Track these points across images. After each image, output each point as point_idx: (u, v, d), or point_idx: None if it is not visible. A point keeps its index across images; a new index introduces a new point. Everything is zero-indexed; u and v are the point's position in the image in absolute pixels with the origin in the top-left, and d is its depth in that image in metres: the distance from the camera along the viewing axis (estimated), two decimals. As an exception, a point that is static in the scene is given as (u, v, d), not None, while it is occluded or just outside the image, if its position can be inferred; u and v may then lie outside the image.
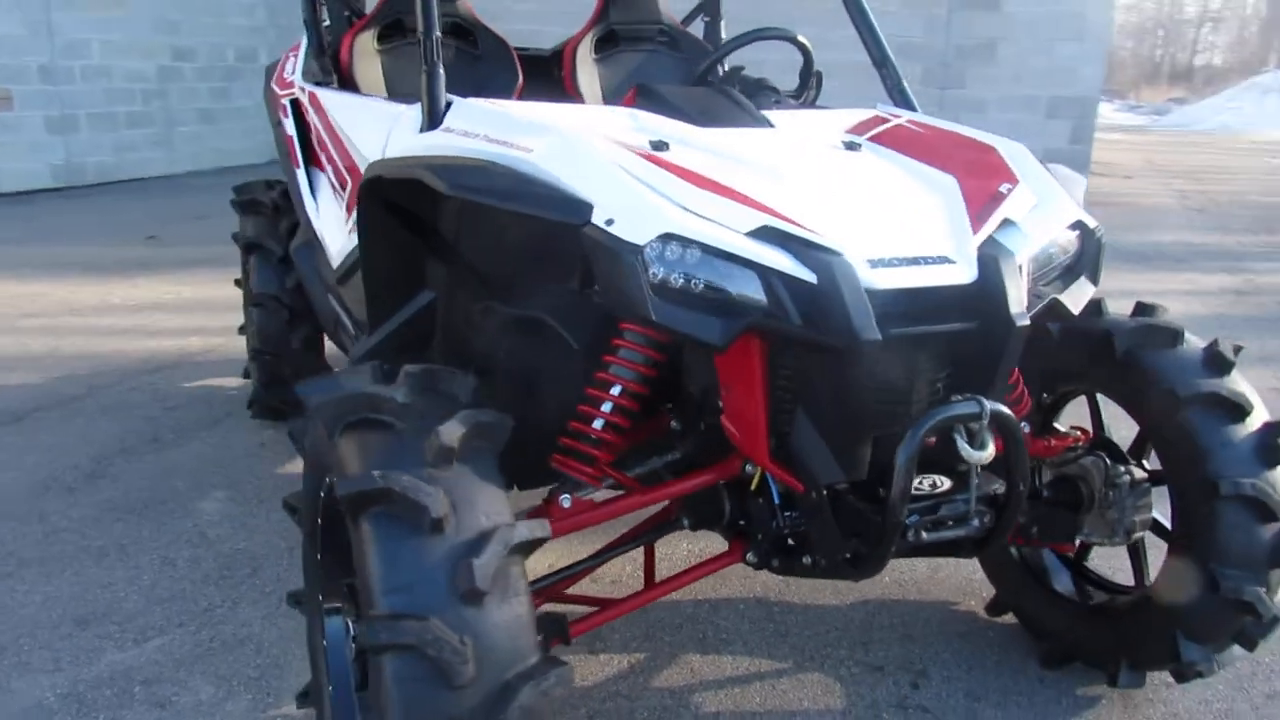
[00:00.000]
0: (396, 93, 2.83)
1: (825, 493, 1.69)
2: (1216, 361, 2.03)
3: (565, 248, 1.94)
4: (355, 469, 1.46)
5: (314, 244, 2.96)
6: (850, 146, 2.06)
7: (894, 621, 2.52)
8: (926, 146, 2.05)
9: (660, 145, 1.77)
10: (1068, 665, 2.31)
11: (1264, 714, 2.23)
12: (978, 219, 1.76)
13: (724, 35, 3.57)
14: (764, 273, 1.55)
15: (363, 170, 2.22)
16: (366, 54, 2.96)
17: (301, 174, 3.00)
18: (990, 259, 1.67)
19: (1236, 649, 2.01)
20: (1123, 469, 2.00)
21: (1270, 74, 30.47)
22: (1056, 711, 2.22)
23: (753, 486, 1.85)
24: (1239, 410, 1.96)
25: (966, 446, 1.61)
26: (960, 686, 2.27)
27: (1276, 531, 1.93)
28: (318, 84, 2.86)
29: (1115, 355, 2.07)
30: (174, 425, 3.69)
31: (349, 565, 1.81)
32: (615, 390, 1.79)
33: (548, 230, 1.69)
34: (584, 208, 1.57)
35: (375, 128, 2.23)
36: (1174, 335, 2.07)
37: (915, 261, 1.64)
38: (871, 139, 2.11)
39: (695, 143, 1.85)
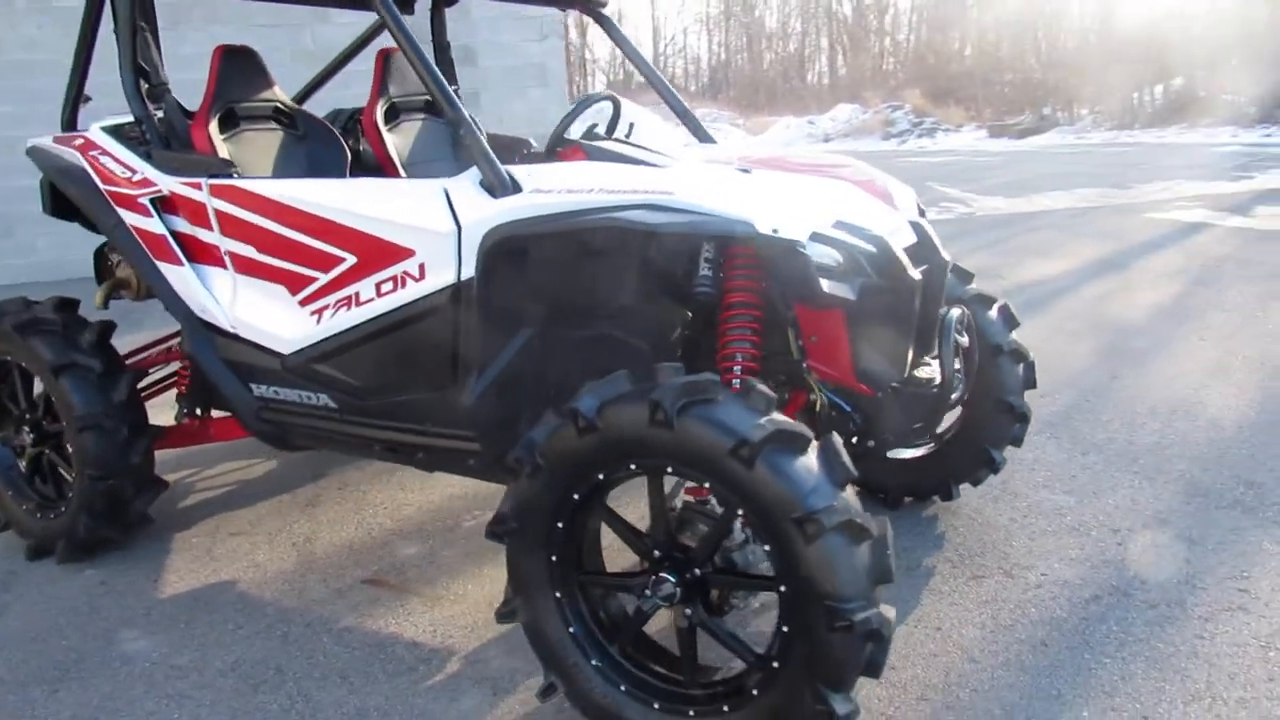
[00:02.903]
0: (263, 177, 2.95)
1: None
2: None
3: (629, 272, 2.53)
4: (774, 484, 1.89)
5: (213, 338, 2.92)
6: (744, 171, 2.89)
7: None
8: (805, 166, 2.95)
9: (746, 172, 2.46)
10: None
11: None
12: (891, 204, 2.73)
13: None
14: (856, 249, 2.34)
15: (401, 242, 2.49)
16: (220, 144, 2.99)
17: (187, 271, 2.91)
18: (918, 225, 2.66)
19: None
20: None
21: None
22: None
23: (817, 408, 2.61)
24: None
25: (959, 338, 2.59)
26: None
27: (1023, 375, 3.21)
28: (212, 176, 2.83)
29: None
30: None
31: (580, 560, 2.22)
32: (737, 370, 2.41)
33: (622, 258, 2.26)
34: (748, 223, 2.21)
35: (411, 204, 2.49)
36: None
37: (896, 232, 2.56)
38: (754, 164, 2.96)
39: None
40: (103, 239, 3.69)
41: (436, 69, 2.55)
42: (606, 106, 3.08)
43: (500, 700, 2.51)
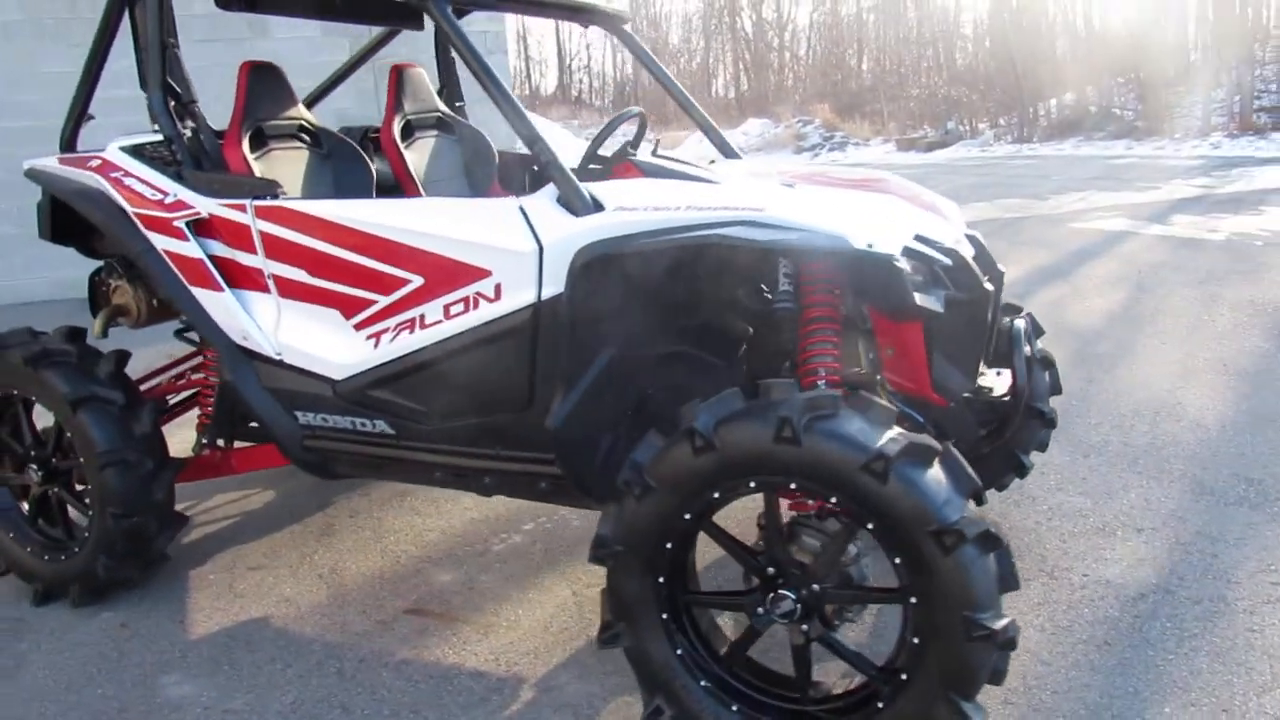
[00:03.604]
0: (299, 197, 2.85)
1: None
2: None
3: (712, 289, 2.54)
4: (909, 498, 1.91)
5: (255, 365, 2.80)
6: (788, 186, 2.91)
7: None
8: (848, 182, 2.99)
9: (790, 187, 2.48)
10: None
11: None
12: (942, 217, 2.79)
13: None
14: (936, 262, 2.39)
15: (475, 263, 2.44)
16: (252, 165, 2.88)
17: (226, 296, 2.77)
18: (973, 237, 2.73)
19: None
20: None
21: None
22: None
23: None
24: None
25: (1027, 345, 2.65)
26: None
27: (1049, 381, 3.30)
28: (257, 198, 2.71)
29: None
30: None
31: (685, 581, 2.21)
32: (821, 384, 2.42)
33: (705, 275, 2.28)
34: (843, 239, 2.23)
35: (487, 224, 2.44)
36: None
37: (959, 244, 2.62)
38: (796, 179, 2.99)
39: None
40: (96, 265, 3.53)
41: (503, 83, 2.50)
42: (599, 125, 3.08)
43: (587, 727, 2.46)
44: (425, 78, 3.70)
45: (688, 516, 2.14)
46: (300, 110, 3.26)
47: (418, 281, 2.54)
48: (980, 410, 2.65)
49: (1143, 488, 3.70)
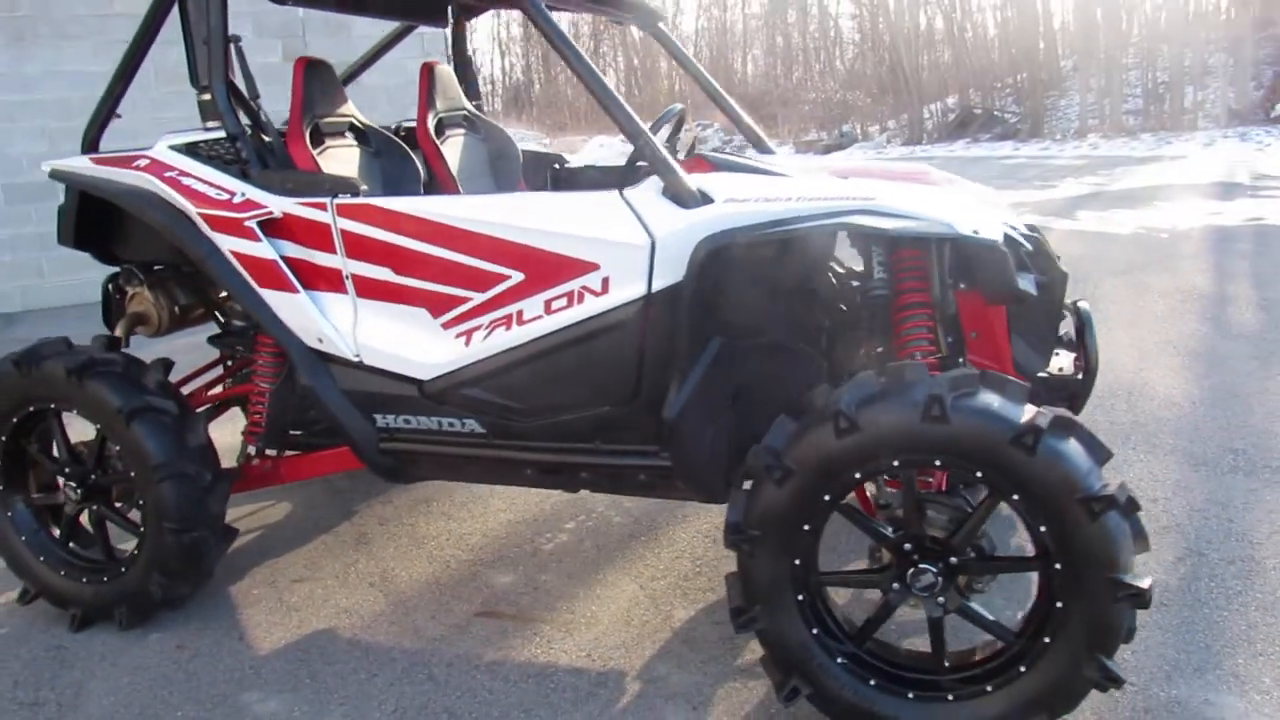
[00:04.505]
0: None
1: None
2: None
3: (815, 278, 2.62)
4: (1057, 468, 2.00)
5: (330, 367, 2.73)
6: (841, 179, 3.01)
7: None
8: (894, 174, 3.10)
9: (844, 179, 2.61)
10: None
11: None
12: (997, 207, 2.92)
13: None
14: (1020, 247, 2.51)
15: (582, 256, 2.45)
16: (315, 161, 2.81)
17: (302, 298, 2.68)
18: (1028, 225, 2.87)
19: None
20: None
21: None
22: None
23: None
24: None
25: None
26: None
27: None
28: (332, 195, 2.63)
29: None
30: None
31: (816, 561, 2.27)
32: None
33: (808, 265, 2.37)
34: (951, 225, 2.32)
35: (593, 217, 2.45)
36: None
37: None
38: (845, 173, 3.08)
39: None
40: (112, 271, 3.37)
41: (600, 76, 2.51)
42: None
43: (705, 714, 2.49)
44: (453, 75, 3.66)
45: (827, 498, 2.19)
46: (350, 107, 3.19)
47: (517, 277, 2.53)
48: (1053, 388, 2.78)
49: (1142, 462, 3.93)
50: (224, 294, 3.50)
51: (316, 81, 3.00)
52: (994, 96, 24.51)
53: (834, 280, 2.97)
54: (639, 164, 3.21)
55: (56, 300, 8.19)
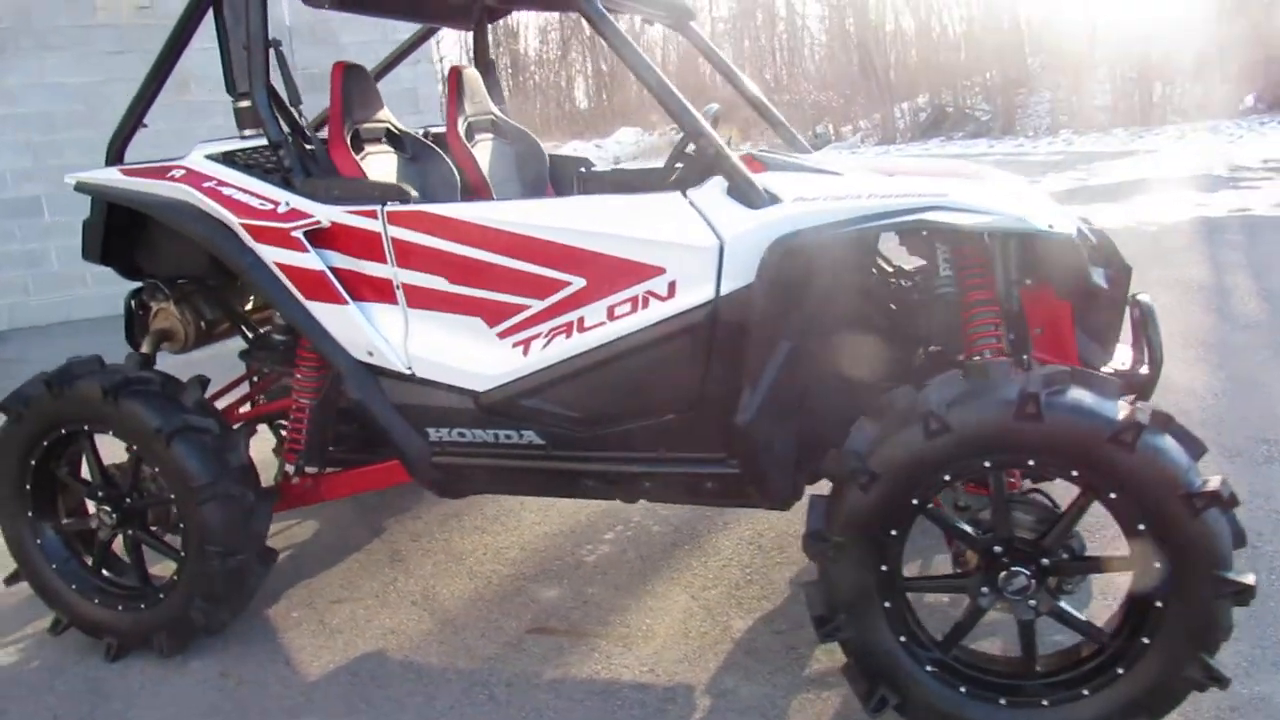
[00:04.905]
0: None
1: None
2: None
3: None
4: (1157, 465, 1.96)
5: (380, 381, 2.64)
6: (890, 176, 2.97)
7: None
8: (938, 170, 3.06)
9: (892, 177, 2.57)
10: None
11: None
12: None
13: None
14: (1088, 242, 2.48)
15: (648, 260, 2.38)
16: (359, 168, 2.72)
17: (351, 309, 2.59)
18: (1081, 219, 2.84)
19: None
20: None
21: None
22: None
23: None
24: None
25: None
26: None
27: None
28: (382, 203, 2.55)
29: None
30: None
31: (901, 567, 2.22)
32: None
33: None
34: (1026, 220, 2.28)
35: (659, 219, 2.38)
36: None
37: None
38: (894, 172, 3.04)
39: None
40: (135, 286, 3.26)
41: (662, 78, 2.45)
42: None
43: (782, 726, 2.43)
44: (480, 79, 3.58)
45: (915, 501, 2.14)
46: (386, 112, 3.10)
47: (579, 283, 2.45)
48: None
49: (1177, 454, 3.92)
50: (251, 307, 3.40)
51: (355, 86, 2.92)
52: (964, 95, 24.70)
53: (885, 279, 2.92)
54: (677, 165, 3.19)
55: (44, 318, 8.00)
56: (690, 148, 3.15)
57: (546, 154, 3.70)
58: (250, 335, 3.37)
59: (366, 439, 3.12)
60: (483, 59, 3.79)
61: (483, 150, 3.45)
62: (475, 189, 3.26)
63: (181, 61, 2.94)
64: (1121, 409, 2.01)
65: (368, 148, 2.90)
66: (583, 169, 3.78)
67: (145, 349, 3.15)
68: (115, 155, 2.98)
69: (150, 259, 3.09)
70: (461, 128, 3.33)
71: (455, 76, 3.39)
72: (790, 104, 24.40)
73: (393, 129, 3.08)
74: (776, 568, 3.20)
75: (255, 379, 3.50)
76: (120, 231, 3.01)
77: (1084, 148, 18.28)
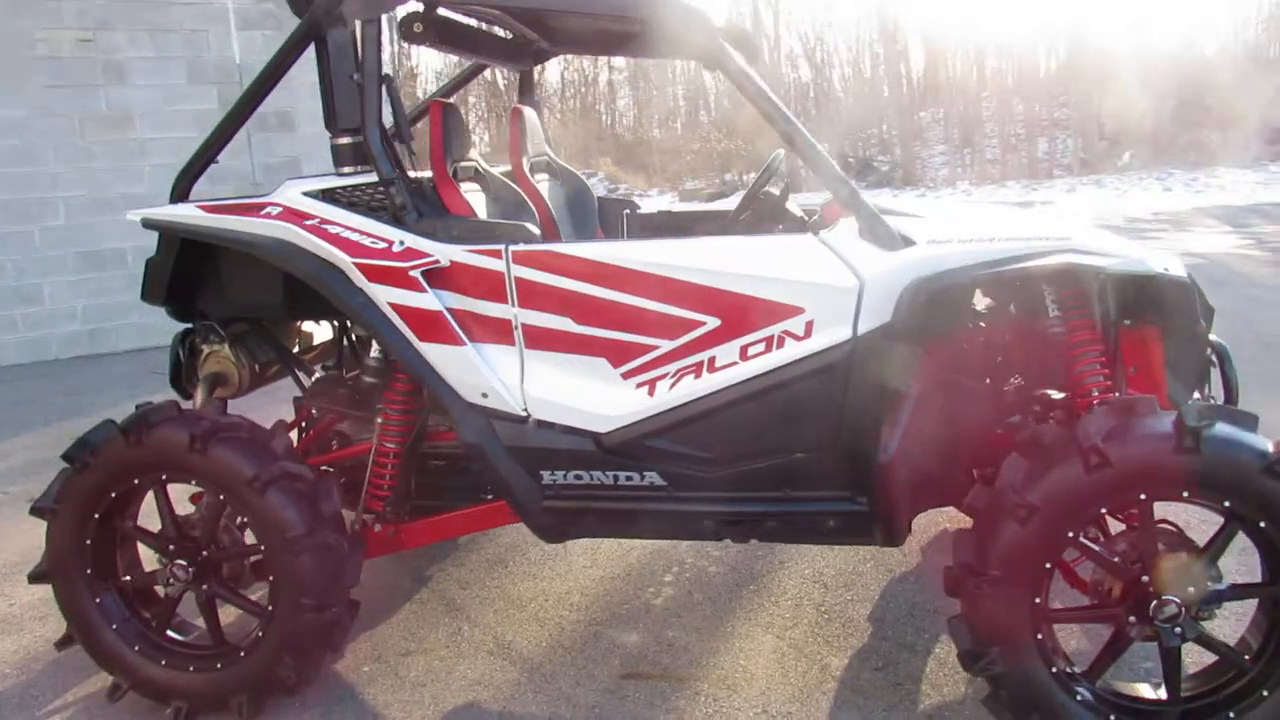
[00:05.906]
0: None
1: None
2: None
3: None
4: None
5: (495, 423, 2.57)
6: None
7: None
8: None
9: None
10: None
11: None
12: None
13: None
14: None
15: (786, 300, 2.42)
16: (469, 206, 2.67)
17: (468, 351, 2.52)
18: None
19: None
20: None
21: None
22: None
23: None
24: None
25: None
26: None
27: None
28: (508, 243, 2.50)
29: None
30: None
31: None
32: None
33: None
34: (1145, 263, 2.41)
35: (798, 261, 2.42)
36: None
37: None
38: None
39: None
40: (183, 327, 3.10)
41: (799, 125, 2.51)
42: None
43: (919, 763, 2.44)
44: (537, 120, 3.56)
45: (1070, 534, 2.20)
46: (474, 152, 3.05)
47: (713, 323, 2.46)
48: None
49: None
50: (303, 350, 3.28)
51: (452, 125, 2.86)
52: (861, 147, 25.66)
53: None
54: (743, 214, 3.23)
55: (14, 359, 7.42)
56: (763, 191, 3.21)
57: (595, 195, 3.70)
58: (301, 378, 3.24)
59: (440, 486, 3.03)
60: (529, 99, 3.77)
61: (541, 190, 3.43)
62: (545, 228, 3.24)
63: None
64: (1268, 442, 2.12)
65: (463, 186, 2.85)
66: (627, 210, 3.79)
67: (201, 393, 3.00)
68: (182, 192, 2.85)
69: (215, 299, 2.95)
70: (526, 167, 3.30)
71: (517, 117, 3.37)
72: (697, 153, 24.97)
73: (479, 167, 3.04)
74: (851, 605, 3.22)
75: (305, 424, 3.36)
76: (182, 271, 2.87)
77: (984, 198, 19.20)
